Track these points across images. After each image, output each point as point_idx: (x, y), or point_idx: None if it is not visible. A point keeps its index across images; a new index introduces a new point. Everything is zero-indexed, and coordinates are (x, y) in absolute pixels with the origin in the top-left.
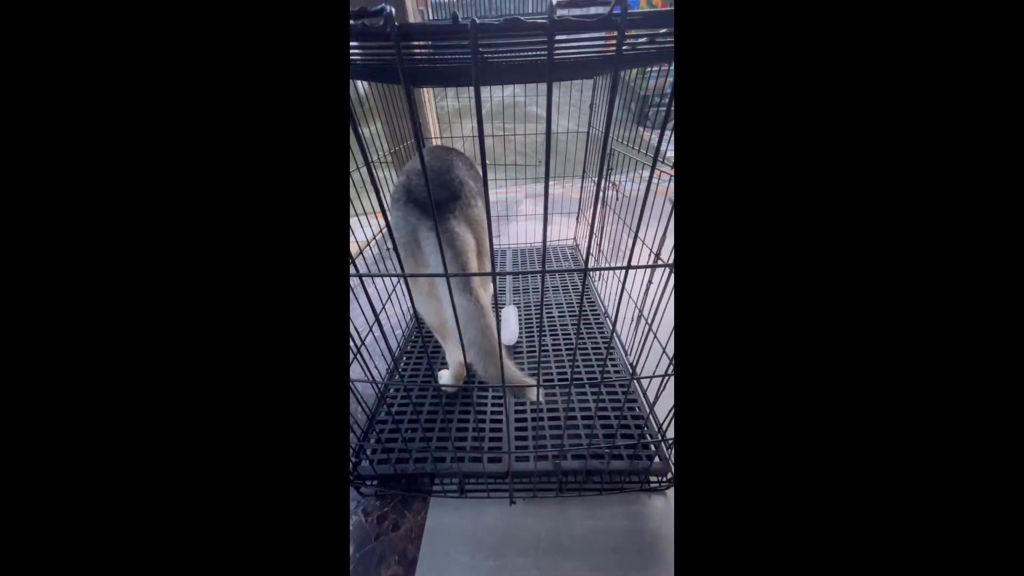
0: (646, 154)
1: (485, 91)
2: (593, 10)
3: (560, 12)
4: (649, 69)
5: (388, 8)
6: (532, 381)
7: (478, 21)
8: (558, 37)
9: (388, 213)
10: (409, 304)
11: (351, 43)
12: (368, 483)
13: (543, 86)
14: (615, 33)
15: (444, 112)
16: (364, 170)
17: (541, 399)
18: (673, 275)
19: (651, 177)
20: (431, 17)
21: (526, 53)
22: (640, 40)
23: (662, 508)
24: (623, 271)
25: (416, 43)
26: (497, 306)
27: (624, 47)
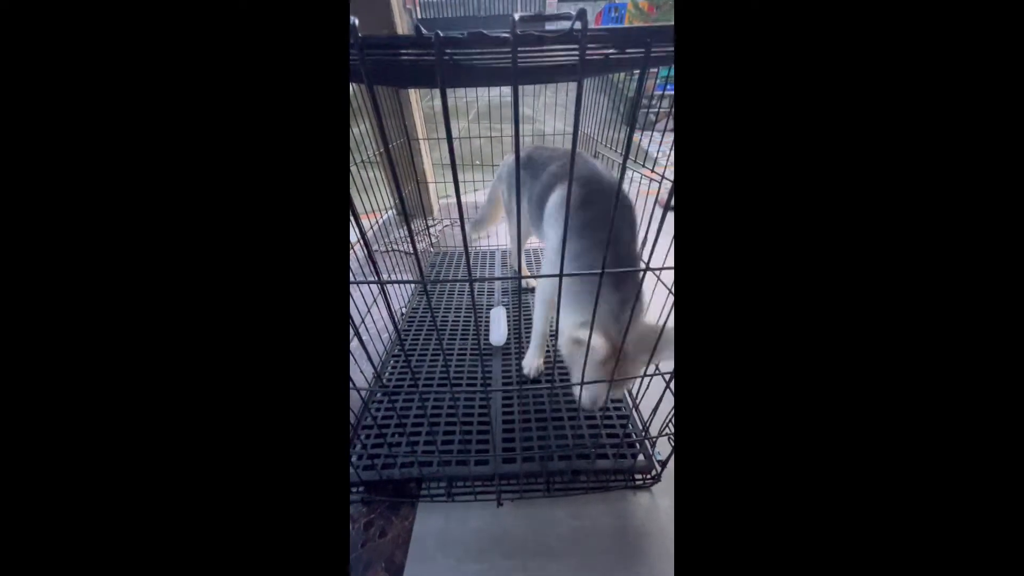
0: (634, 160)
1: (475, 90)
2: (558, 23)
3: (522, 28)
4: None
5: (353, 20)
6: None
7: (445, 34)
8: (521, 49)
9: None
10: (395, 309)
11: None
12: (354, 490)
13: (534, 87)
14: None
15: (432, 112)
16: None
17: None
18: (657, 279)
19: (620, 179)
20: (419, 16)
21: (491, 60)
22: (608, 50)
23: (646, 505)
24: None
25: (380, 52)
26: (485, 306)
27: (590, 55)
